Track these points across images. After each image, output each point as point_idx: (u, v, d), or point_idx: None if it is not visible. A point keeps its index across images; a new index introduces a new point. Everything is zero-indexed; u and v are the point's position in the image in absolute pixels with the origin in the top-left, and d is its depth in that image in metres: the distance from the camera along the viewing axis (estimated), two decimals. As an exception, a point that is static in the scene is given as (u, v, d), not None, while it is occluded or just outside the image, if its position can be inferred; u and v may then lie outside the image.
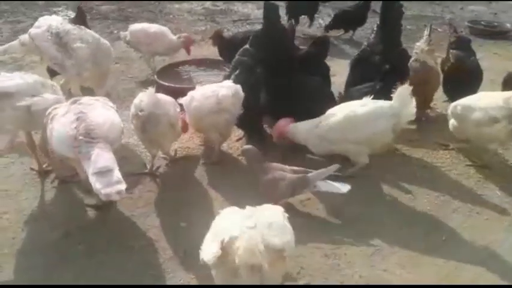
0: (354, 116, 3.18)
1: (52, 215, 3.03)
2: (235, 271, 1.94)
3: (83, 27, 3.93)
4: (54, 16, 4.07)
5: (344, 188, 2.90)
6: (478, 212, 3.11)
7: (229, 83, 3.47)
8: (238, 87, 3.40)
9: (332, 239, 2.84)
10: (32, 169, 3.43)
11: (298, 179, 2.91)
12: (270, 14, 3.84)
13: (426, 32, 4.28)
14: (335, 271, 2.60)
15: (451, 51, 4.35)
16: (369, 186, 3.34)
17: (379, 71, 3.70)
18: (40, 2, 8.21)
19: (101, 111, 2.84)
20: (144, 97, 3.11)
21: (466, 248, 2.81)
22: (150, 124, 3.08)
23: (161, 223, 2.95)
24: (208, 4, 8.42)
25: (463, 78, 4.06)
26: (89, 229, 2.91)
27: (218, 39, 4.99)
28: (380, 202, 3.19)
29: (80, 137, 2.58)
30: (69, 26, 3.78)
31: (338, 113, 3.26)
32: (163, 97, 3.28)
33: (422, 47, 4.14)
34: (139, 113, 3.06)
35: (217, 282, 2.13)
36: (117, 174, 2.48)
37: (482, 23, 7.09)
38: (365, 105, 3.20)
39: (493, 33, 6.82)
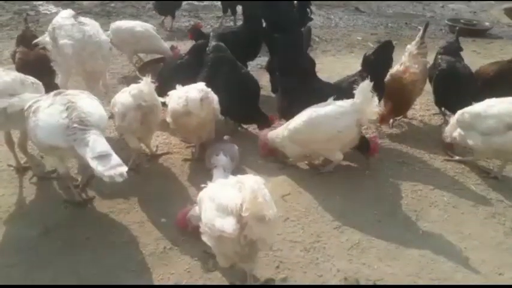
0: (317, 116, 3.22)
1: (30, 212, 2.99)
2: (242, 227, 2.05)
3: (87, 19, 3.76)
4: (67, 10, 3.93)
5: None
6: (455, 206, 3.18)
7: (202, 85, 3.34)
8: (208, 90, 3.29)
9: (311, 233, 2.87)
10: (9, 166, 3.38)
11: (207, 155, 3.35)
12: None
13: (420, 34, 4.09)
14: (314, 265, 2.64)
15: (439, 56, 4.14)
16: (348, 181, 3.39)
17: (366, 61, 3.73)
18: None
19: (88, 101, 2.85)
20: (143, 87, 3.08)
21: (442, 241, 2.87)
22: (152, 114, 3.12)
23: (141, 219, 2.94)
24: None
25: (457, 85, 3.86)
26: (68, 226, 2.88)
27: (196, 33, 4.89)
28: (359, 196, 3.23)
29: (75, 125, 2.59)
30: (68, 21, 3.64)
31: (303, 115, 3.31)
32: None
33: (411, 50, 4.00)
34: (143, 103, 3.06)
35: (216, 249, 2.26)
36: (115, 157, 2.51)
37: (462, 21, 7.21)
38: (327, 105, 3.25)
39: (472, 31, 6.95)
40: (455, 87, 3.88)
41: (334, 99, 3.27)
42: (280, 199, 3.12)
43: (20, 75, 3.10)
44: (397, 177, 3.45)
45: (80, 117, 2.64)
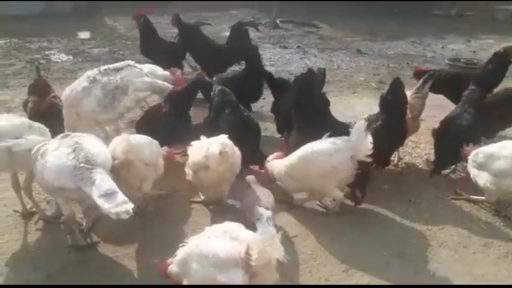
0: (311, 152, 3.26)
1: (34, 257, 2.97)
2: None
3: (110, 67, 3.95)
4: (128, 61, 4.17)
5: None
6: (465, 246, 3.12)
7: (224, 138, 3.24)
8: (229, 144, 3.19)
9: (319, 276, 2.81)
10: (15, 211, 3.38)
11: (245, 206, 3.11)
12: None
13: (418, 84, 4.06)
14: (322, 310, 2.56)
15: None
16: (354, 222, 3.34)
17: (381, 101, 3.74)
18: (33, 45, 8.38)
19: (94, 143, 2.94)
20: (117, 144, 3.08)
21: (454, 282, 2.79)
22: (124, 170, 3.05)
23: (146, 264, 2.89)
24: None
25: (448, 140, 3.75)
26: (72, 271, 2.85)
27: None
28: (367, 238, 3.18)
29: (81, 165, 2.66)
30: (93, 71, 3.94)
31: (299, 151, 3.34)
32: (138, 139, 3.23)
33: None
34: (113, 162, 2.99)
35: None
36: (121, 195, 2.55)
37: (462, 60, 7.34)
38: (322, 142, 3.29)
39: (473, 70, 7.04)
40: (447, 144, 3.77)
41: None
42: (287, 241, 3.08)
43: (28, 121, 3.22)
44: (404, 217, 3.40)
45: (87, 157, 2.71)
